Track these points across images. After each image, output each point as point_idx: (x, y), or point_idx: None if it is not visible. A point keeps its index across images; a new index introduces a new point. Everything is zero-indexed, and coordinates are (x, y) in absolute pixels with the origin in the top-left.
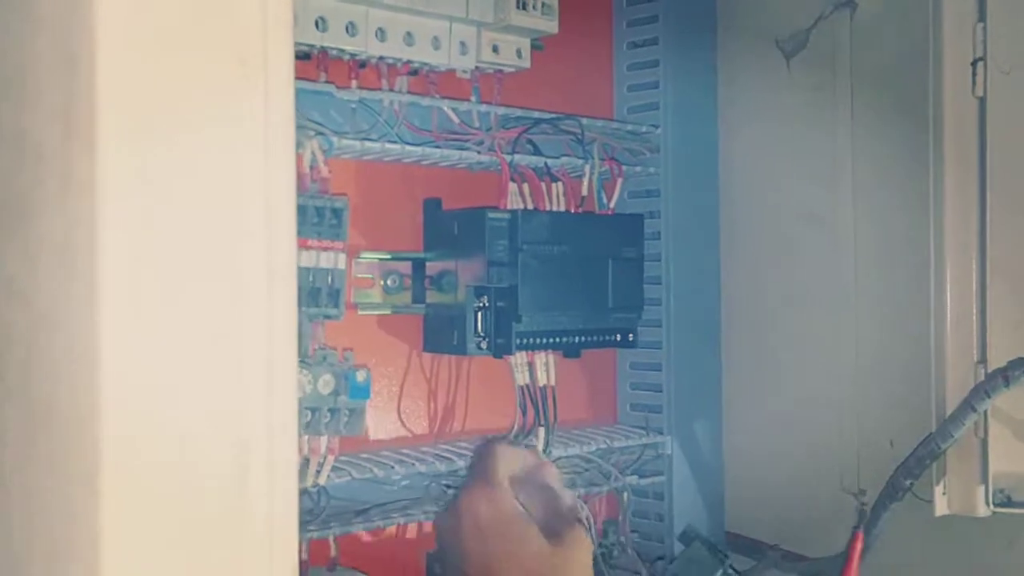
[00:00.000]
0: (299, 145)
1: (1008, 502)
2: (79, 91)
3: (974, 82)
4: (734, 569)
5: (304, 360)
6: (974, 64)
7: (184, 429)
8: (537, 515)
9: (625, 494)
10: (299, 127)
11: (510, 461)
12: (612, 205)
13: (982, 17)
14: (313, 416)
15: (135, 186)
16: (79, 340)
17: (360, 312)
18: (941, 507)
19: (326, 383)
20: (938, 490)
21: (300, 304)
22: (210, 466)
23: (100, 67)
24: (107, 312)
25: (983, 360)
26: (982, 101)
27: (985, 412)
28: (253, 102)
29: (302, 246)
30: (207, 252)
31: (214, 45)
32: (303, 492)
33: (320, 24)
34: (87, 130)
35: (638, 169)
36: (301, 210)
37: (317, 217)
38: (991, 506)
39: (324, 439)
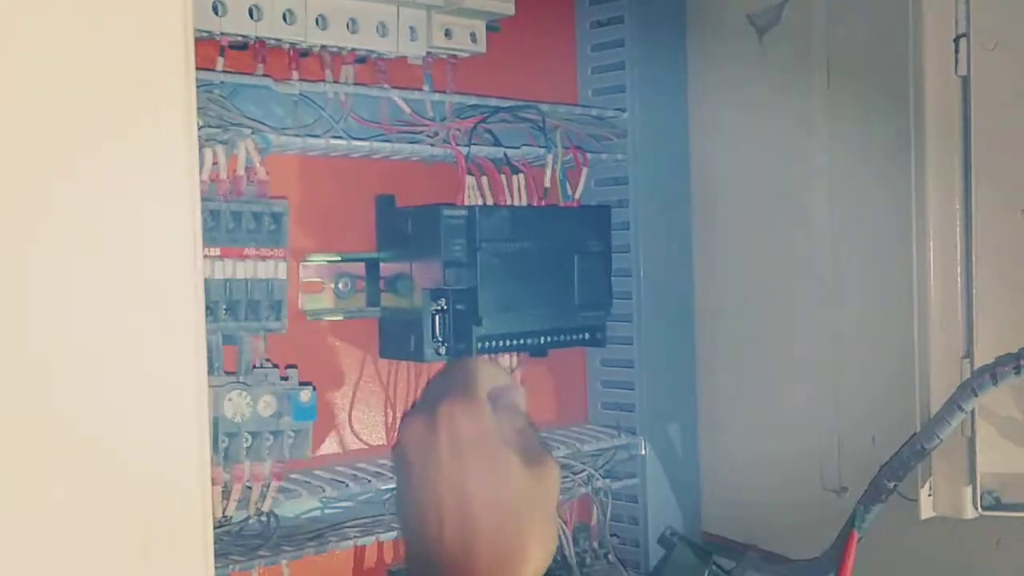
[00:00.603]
0: (232, 146)
1: (997, 504)
2: None
3: (957, 60)
4: (720, 568)
5: (243, 381)
6: (956, 41)
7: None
8: (511, 439)
9: (601, 497)
10: (234, 125)
11: (489, 377)
12: (577, 195)
13: None
14: (254, 440)
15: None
16: None
17: (309, 319)
18: (927, 509)
19: (267, 404)
20: (923, 491)
21: (239, 318)
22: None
23: None
24: None
25: (969, 355)
26: (965, 80)
27: (972, 411)
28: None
29: (238, 256)
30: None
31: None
32: (246, 520)
33: (254, 12)
34: None
35: (604, 156)
36: (236, 216)
37: (255, 223)
38: (979, 508)
39: (267, 464)
